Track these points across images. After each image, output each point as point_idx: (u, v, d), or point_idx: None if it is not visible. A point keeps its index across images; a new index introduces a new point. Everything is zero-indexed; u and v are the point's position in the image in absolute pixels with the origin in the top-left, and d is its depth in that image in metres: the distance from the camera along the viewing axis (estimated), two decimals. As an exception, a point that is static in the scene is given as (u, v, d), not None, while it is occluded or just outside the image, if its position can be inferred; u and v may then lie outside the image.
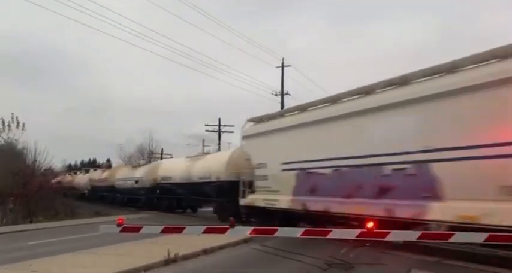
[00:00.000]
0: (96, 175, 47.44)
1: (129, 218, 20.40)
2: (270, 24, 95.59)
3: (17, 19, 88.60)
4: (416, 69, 10.98)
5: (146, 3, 54.77)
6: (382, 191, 11.06)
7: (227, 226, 6.37)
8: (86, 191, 48.02)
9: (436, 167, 9.72)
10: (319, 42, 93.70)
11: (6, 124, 25.51)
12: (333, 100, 13.96)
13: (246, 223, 17.00)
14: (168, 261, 9.80)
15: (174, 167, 28.09)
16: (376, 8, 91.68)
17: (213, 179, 21.86)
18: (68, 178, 55.39)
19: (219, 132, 43.29)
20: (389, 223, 9.67)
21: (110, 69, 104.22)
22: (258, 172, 16.54)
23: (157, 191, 29.33)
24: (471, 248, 10.55)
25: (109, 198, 40.46)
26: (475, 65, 9.57)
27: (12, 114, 25.84)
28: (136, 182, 33.43)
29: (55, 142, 63.79)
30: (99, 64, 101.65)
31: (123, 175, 37.64)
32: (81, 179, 52.60)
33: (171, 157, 35.18)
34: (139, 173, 33.86)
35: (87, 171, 53.89)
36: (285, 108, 33.93)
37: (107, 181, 40.58)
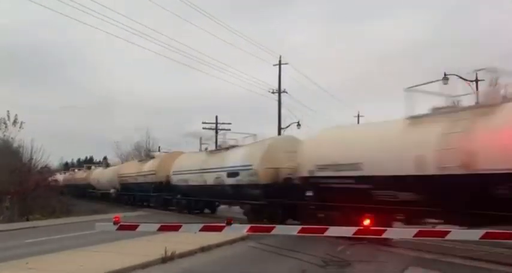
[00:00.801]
0: (130, 168, 34.37)
1: (126, 215, 20.40)
2: (267, 22, 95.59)
3: (14, 15, 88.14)
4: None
5: (144, 2, 54.66)
6: None
7: (224, 224, 6.36)
8: (112, 191, 36.34)
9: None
10: (318, 40, 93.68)
11: (2, 122, 25.50)
12: None
13: None
14: (165, 259, 9.79)
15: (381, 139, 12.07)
16: (375, 6, 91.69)
17: None
18: (80, 174, 49.14)
19: (216, 129, 43.18)
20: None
21: (107, 67, 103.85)
22: None
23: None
24: (465, 245, 10.56)
25: (161, 201, 27.73)
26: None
27: (8, 111, 25.81)
28: (233, 175, 18.89)
29: (51, 140, 63.61)
30: (97, 62, 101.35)
31: (192, 165, 23.45)
32: (102, 175, 41.33)
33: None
34: (240, 158, 19.01)
35: (108, 165, 45.40)
36: (282, 106, 33.74)
37: (156, 175, 28.16)
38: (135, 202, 32.54)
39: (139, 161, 35.01)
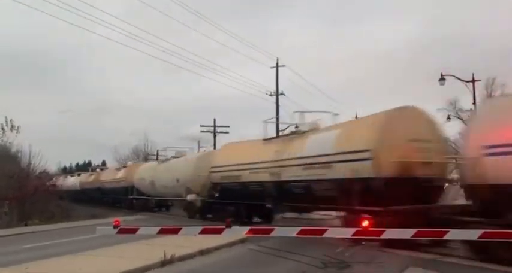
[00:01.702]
0: (246, 152, 19.24)
1: (125, 219, 20.37)
2: (265, 24, 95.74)
3: (9, 20, 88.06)
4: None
5: (139, 4, 54.73)
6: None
7: (223, 226, 6.37)
8: (192, 198, 22.20)
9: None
10: (315, 41, 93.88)
11: (0, 127, 25.48)
12: None
13: None
14: (165, 263, 9.79)
15: None
16: (373, 7, 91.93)
17: None
18: (110, 174, 38.90)
19: (214, 132, 43.19)
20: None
21: (103, 71, 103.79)
22: None
23: None
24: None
25: None
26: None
27: (6, 117, 25.81)
28: None
29: (48, 145, 63.41)
30: (93, 66, 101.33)
31: None
32: (162, 171, 27.12)
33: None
34: None
35: (180, 155, 26.77)
36: (280, 108, 33.52)
37: (377, 162, 11.76)
38: (268, 218, 19.30)
39: (267, 140, 18.58)
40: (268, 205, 18.25)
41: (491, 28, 61.15)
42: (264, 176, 16.99)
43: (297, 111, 16.85)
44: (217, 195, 20.63)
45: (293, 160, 15.55)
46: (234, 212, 18.48)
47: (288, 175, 15.69)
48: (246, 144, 20.32)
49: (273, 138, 18.95)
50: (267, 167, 16.90)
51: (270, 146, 17.54)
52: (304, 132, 16.42)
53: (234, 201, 18.97)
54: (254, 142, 19.48)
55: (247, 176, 18.33)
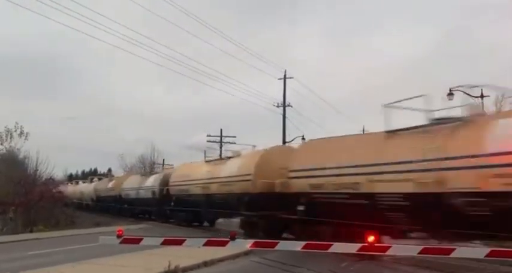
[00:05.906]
0: None
1: (129, 229, 20.32)
2: (273, 36, 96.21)
3: (17, 26, 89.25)
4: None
5: (147, 13, 55.26)
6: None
7: (227, 239, 6.35)
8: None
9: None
10: (323, 54, 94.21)
11: (9, 132, 25.71)
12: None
13: None
14: (168, 273, 9.75)
15: None
16: (378, 20, 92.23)
17: None
18: (129, 181, 33.80)
19: (221, 142, 43.25)
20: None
21: (110, 79, 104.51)
22: None
23: None
24: (473, 263, 10.45)
25: None
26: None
27: (17, 123, 26.06)
28: None
29: (54, 152, 63.60)
30: (99, 74, 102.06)
31: None
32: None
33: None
34: None
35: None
36: (287, 119, 33.38)
37: None
38: None
39: (392, 132, 12.18)
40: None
41: (493, 45, 60.99)
42: (391, 186, 11.20)
43: (456, 88, 10.62)
44: (301, 208, 14.35)
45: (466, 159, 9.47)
46: (330, 234, 12.34)
47: (457, 182, 9.56)
48: (349, 139, 13.67)
49: (400, 130, 11.94)
50: (402, 172, 10.88)
51: (403, 140, 11.50)
52: (468, 117, 10.37)
53: (328, 219, 12.90)
54: (363, 137, 13.94)
55: (359, 186, 12.22)
